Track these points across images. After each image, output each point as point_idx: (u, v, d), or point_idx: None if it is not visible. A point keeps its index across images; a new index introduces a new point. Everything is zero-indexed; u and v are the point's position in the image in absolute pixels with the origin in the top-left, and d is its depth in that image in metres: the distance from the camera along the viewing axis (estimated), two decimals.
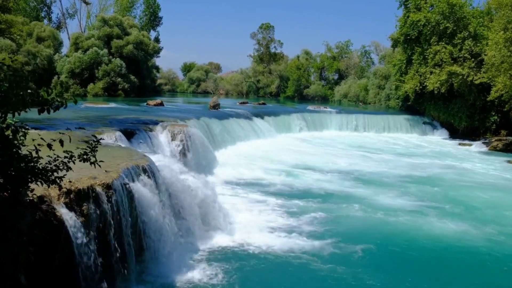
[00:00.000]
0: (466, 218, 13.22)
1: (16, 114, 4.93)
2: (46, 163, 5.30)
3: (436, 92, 33.79)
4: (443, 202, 15.06)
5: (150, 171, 9.41)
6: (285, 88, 73.71)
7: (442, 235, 11.69)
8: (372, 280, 8.94)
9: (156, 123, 17.91)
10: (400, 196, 15.61)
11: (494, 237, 11.78)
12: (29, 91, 4.76)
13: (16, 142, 4.94)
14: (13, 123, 4.87)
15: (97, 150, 5.80)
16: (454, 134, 35.20)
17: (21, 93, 4.70)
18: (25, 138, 5.05)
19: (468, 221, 12.94)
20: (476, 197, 16.08)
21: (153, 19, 75.08)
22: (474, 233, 12.01)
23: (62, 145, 5.12)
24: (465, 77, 32.14)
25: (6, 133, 4.84)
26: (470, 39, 32.93)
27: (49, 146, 5.14)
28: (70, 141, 6.01)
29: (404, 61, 38.65)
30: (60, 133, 5.64)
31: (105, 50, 51.62)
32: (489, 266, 10.06)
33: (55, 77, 48.27)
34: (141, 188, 8.65)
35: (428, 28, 34.15)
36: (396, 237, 11.48)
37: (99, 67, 50.24)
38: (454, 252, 10.64)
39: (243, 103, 44.01)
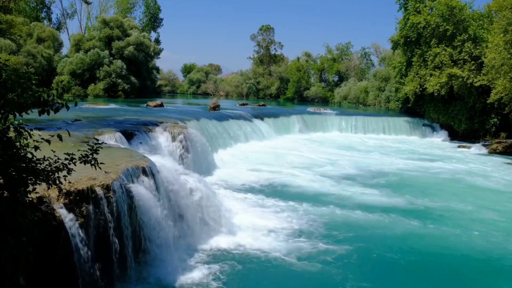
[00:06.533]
0: (463, 220, 13.25)
1: (17, 115, 4.96)
2: (47, 165, 5.31)
3: (436, 94, 33.82)
4: (438, 204, 15.08)
5: (149, 172, 9.43)
6: (285, 89, 73.64)
7: (437, 238, 11.68)
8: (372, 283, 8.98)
9: (156, 124, 17.92)
10: (398, 198, 15.64)
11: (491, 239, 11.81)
12: (30, 92, 4.78)
13: (18, 143, 4.96)
14: (16, 123, 4.89)
15: (98, 153, 5.81)
16: (454, 136, 35.20)
17: (25, 95, 4.72)
18: (28, 139, 5.07)
19: (464, 224, 12.96)
20: (473, 199, 16.03)
21: (153, 21, 75.24)
22: (467, 235, 12.03)
23: (61, 140, 5.14)
24: (465, 80, 32.17)
25: (9, 134, 4.86)
26: (470, 41, 32.97)
27: (48, 141, 5.15)
28: (69, 135, 6.04)
29: (404, 63, 38.71)
30: (58, 128, 5.66)
31: (106, 52, 51.75)
32: (484, 271, 10.06)
33: (57, 78, 48.39)
34: (141, 189, 8.67)
35: (428, 31, 34.20)
36: (391, 239, 11.50)
37: (100, 68, 50.37)
38: (447, 257, 10.58)
39: (243, 104, 44.01)
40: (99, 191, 7.47)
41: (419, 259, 10.37)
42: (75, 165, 5.59)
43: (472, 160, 25.55)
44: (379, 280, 9.20)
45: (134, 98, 48.35)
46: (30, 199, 5.72)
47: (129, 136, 15.29)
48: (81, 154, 5.71)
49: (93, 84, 50.33)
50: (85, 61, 49.92)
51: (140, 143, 15.45)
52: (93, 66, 50.46)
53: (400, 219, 13.09)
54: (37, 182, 5.15)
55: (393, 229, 12.27)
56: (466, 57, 32.92)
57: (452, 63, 33.29)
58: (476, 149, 29.88)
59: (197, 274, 8.83)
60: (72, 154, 5.58)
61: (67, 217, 6.65)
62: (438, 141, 34.65)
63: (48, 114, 4.93)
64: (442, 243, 11.31)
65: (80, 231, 6.81)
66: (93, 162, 5.71)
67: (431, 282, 9.33)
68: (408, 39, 36.17)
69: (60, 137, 5.18)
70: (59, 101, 4.98)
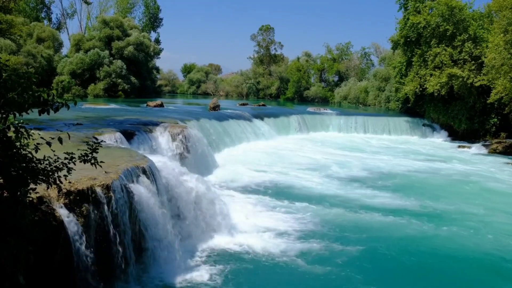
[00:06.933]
0: (474, 223, 13.08)
1: (17, 115, 4.95)
2: (46, 164, 5.30)
3: (436, 94, 33.82)
4: (448, 207, 14.95)
5: (150, 172, 9.41)
6: (285, 89, 73.65)
7: (448, 241, 11.52)
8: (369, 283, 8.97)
9: (156, 124, 17.91)
10: (398, 199, 15.56)
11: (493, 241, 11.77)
12: (31, 92, 4.78)
13: (18, 143, 4.95)
14: (16, 123, 4.89)
15: (97, 152, 5.80)
16: (454, 136, 35.21)
17: (25, 95, 4.72)
18: (28, 139, 5.06)
19: (475, 226, 12.77)
20: (483, 201, 15.90)
21: (153, 21, 75.26)
22: (466, 237, 11.98)
23: (61, 143, 5.13)
24: (465, 80, 32.17)
25: (9, 134, 4.86)
26: (470, 41, 32.98)
27: (49, 144, 5.15)
28: (69, 138, 6.03)
29: (404, 63, 38.71)
30: (58, 130, 5.66)
31: (106, 52, 51.77)
32: (484, 274, 9.98)
33: (57, 78, 48.42)
34: (141, 189, 8.65)
35: (428, 31, 34.20)
36: (392, 240, 11.43)
37: (100, 68, 50.38)
38: (447, 258, 10.48)
39: (243, 104, 43.98)
40: (99, 191, 7.46)
41: (431, 261, 10.23)
42: (74, 164, 5.58)
43: (477, 161, 25.42)
44: (390, 282, 9.15)
45: (134, 98, 48.33)
46: (30, 199, 5.71)
47: (129, 136, 15.28)
48: (81, 153, 5.70)
49: (93, 84, 50.33)
50: (85, 61, 49.92)
51: (140, 143, 15.44)
52: (93, 66, 50.46)
53: (410, 221, 12.87)
54: (37, 182, 5.14)
55: (404, 231, 12.09)
56: (466, 57, 32.92)
57: (452, 63, 33.29)
58: (476, 149, 29.89)
59: (198, 274, 8.82)
60: (72, 153, 5.57)
61: (67, 217, 6.64)
62: (438, 141, 34.64)
63: (48, 113, 4.93)
64: (453, 246, 11.13)
65: (80, 231, 6.80)
66: (92, 161, 5.69)
67: (442, 285, 9.24)
68: (408, 39, 36.17)
69: (60, 140, 5.17)
70: (59, 100, 4.97)
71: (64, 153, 5.58)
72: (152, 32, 73.89)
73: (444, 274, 9.64)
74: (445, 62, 33.30)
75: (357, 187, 17.09)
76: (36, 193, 5.68)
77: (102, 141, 6.11)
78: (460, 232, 12.20)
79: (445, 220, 13.23)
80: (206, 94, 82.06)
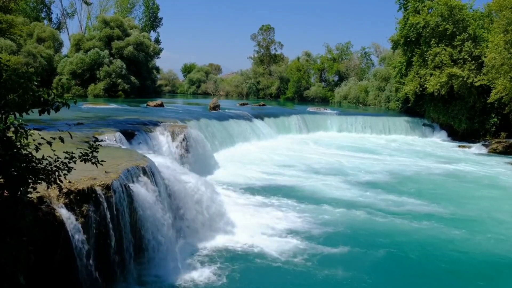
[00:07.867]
0: (503, 229, 12.83)
1: (17, 115, 4.95)
2: (47, 164, 5.30)
3: (436, 94, 33.82)
4: (441, 205, 14.94)
5: (149, 172, 9.42)
6: (285, 89, 73.66)
7: (466, 246, 11.27)
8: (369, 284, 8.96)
9: (156, 124, 17.92)
10: (418, 202, 15.22)
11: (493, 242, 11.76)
12: (31, 93, 4.77)
13: (18, 143, 4.95)
14: (16, 123, 4.88)
15: (98, 151, 5.79)
16: (454, 136, 35.22)
17: (25, 96, 4.72)
18: (27, 139, 5.05)
19: (504, 233, 12.51)
20: (473, 199, 15.96)
21: (153, 20, 75.23)
22: (467, 235, 11.96)
23: (62, 142, 5.13)
24: (465, 79, 32.17)
25: (8, 134, 4.86)
26: (470, 41, 32.97)
27: (49, 143, 5.14)
28: (71, 137, 6.03)
29: (404, 63, 38.71)
30: (59, 130, 5.65)
31: (106, 51, 51.76)
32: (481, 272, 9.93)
33: (57, 77, 48.42)
34: (141, 189, 8.66)
35: (428, 30, 34.19)
36: (417, 245, 11.20)
37: (100, 68, 50.37)
38: (478, 264, 10.28)
39: (243, 104, 44.00)
40: (99, 191, 7.46)
41: (459, 267, 9.99)
42: (75, 163, 5.57)
43: (473, 160, 25.38)
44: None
45: (134, 98, 48.32)
46: (30, 199, 5.71)
47: (129, 136, 15.28)
48: (81, 153, 5.70)
49: (93, 84, 50.34)
50: (85, 61, 49.93)
51: (140, 143, 15.44)
52: (93, 66, 50.46)
53: (434, 226, 12.55)
54: (37, 181, 5.14)
55: (429, 235, 11.77)
56: (466, 57, 32.92)
57: (452, 63, 33.28)
58: (476, 149, 29.90)
59: (198, 274, 8.81)
60: (72, 152, 5.57)
61: (67, 217, 6.64)
62: (438, 141, 34.67)
63: (49, 113, 4.92)
64: (483, 252, 10.84)
65: (80, 231, 6.80)
66: (93, 160, 5.69)
67: None
68: (408, 39, 36.16)
69: (62, 140, 5.17)
70: (59, 100, 4.97)
71: (64, 152, 5.58)
72: (152, 32, 73.93)
73: (473, 282, 9.37)
74: (445, 62, 33.30)
75: (368, 187, 16.90)
76: (37, 192, 5.67)
77: (102, 140, 6.11)
78: (489, 238, 11.81)
79: (473, 226, 12.77)
80: (206, 94, 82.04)
